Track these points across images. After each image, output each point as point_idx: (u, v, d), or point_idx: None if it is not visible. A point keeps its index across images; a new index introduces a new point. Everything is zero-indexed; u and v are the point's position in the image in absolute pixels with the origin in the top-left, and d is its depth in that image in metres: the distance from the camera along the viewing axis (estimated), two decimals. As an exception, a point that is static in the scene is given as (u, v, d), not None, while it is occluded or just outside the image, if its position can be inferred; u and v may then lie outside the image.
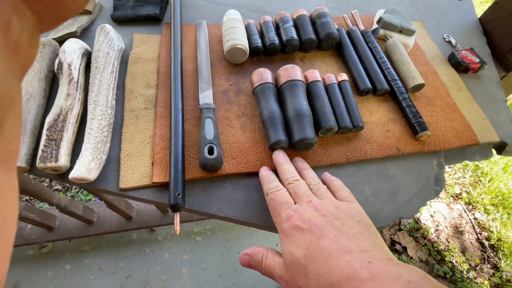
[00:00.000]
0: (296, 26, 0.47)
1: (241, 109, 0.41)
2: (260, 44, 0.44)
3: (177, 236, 1.19)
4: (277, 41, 0.44)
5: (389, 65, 0.44)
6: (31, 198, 1.30)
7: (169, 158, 0.34)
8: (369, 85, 0.42)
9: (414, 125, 0.39)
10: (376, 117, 0.41)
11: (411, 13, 0.57)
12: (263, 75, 0.40)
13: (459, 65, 0.48)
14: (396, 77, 0.43)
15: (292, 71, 0.39)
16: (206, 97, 0.40)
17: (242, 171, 0.36)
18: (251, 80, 0.41)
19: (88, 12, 0.48)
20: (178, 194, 0.31)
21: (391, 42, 0.47)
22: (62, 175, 0.34)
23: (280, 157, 0.34)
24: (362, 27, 0.50)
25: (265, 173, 0.34)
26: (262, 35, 0.47)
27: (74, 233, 1.04)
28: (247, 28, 0.47)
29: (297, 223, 0.26)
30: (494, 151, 0.44)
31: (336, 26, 0.49)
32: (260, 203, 0.34)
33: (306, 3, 0.57)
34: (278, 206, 0.29)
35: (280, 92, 0.39)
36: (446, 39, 0.53)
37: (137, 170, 0.35)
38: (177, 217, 0.31)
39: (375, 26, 0.51)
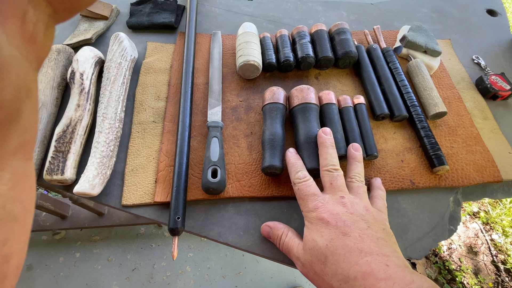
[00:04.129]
0: (313, 41, 0.45)
1: (249, 127, 0.40)
2: (274, 60, 0.43)
3: (183, 233, 1.20)
4: (292, 58, 0.43)
5: (410, 89, 0.42)
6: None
7: (172, 178, 0.33)
8: (386, 110, 0.40)
9: (431, 157, 0.37)
10: (391, 144, 0.39)
11: (439, 30, 0.54)
12: (275, 94, 0.38)
13: (487, 92, 0.44)
14: (416, 102, 0.41)
15: (307, 93, 0.37)
16: (214, 114, 0.39)
17: (245, 195, 0.35)
18: (264, 96, 0.39)
19: (104, 18, 0.48)
20: (178, 218, 0.31)
21: (413, 63, 0.45)
22: (67, 187, 0.35)
23: (326, 138, 0.32)
24: (383, 45, 0.47)
25: (293, 159, 0.33)
26: (277, 50, 0.45)
27: (86, 223, 1.07)
28: (262, 42, 0.45)
29: (324, 216, 0.27)
30: (518, 188, 0.40)
31: (356, 43, 0.47)
32: (260, 231, 0.33)
33: (326, 15, 0.55)
34: (305, 197, 0.29)
35: (292, 113, 0.38)
36: (475, 61, 0.50)
37: (140, 187, 0.35)
38: (175, 241, 0.31)
39: (397, 44, 0.48)
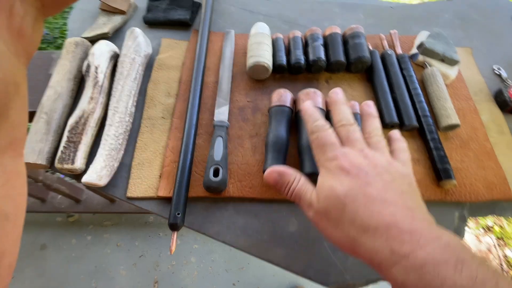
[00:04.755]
0: (326, 44, 0.45)
1: (255, 128, 0.40)
2: (284, 62, 0.43)
3: (191, 225, 1.22)
4: (302, 60, 0.42)
5: (423, 98, 0.41)
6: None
7: (176, 174, 0.34)
8: (395, 119, 0.39)
9: (439, 171, 0.36)
10: (398, 154, 0.38)
11: (460, 37, 0.52)
12: (282, 97, 0.38)
13: (505, 105, 0.43)
14: (428, 113, 0.40)
15: (313, 97, 0.37)
16: (221, 113, 0.39)
17: (246, 196, 0.35)
18: (271, 98, 0.40)
19: (122, 12, 0.49)
20: (178, 214, 0.32)
21: (429, 72, 0.43)
22: (77, 176, 0.36)
23: (338, 95, 0.30)
24: (399, 51, 0.46)
25: (311, 109, 0.29)
26: (289, 51, 0.45)
27: (98, 208, 1.11)
28: (274, 43, 0.45)
29: (345, 165, 0.24)
30: (531, 208, 0.39)
31: (371, 47, 0.46)
32: (259, 232, 0.34)
33: (343, 17, 0.54)
34: (324, 146, 0.26)
35: (297, 116, 0.38)
36: (496, 71, 0.47)
37: (145, 180, 0.36)
38: (174, 236, 0.31)
39: (414, 50, 0.47)
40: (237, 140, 0.39)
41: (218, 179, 0.33)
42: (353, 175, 0.24)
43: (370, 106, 0.30)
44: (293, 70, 0.44)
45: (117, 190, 0.36)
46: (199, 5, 0.53)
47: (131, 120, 0.39)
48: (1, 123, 0.12)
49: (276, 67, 0.43)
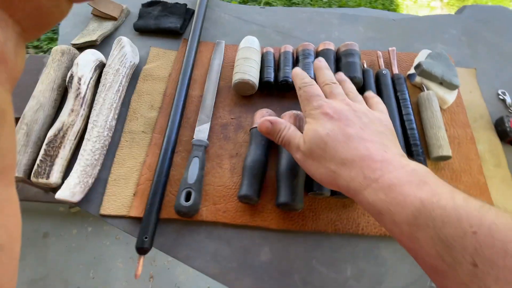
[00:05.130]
0: (317, 61, 0.43)
1: (236, 148, 0.39)
2: (271, 79, 0.41)
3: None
4: (290, 79, 0.41)
5: (414, 125, 0.39)
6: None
7: (148, 195, 0.34)
8: (382, 146, 0.37)
9: (423, 206, 0.34)
10: (382, 184, 0.37)
11: (465, 56, 0.48)
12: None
13: (505, 135, 0.40)
14: (419, 141, 0.37)
15: (299, 121, 0.35)
16: (202, 131, 0.38)
17: (219, 220, 0.34)
18: (254, 117, 0.38)
19: (113, 19, 0.49)
20: (146, 238, 0.31)
21: (425, 96, 0.41)
22: (54, 189, 0.36)
23: (321, 62, 0.34)
24: (396, 70, 0.44)
25: (299, 71, 0.34)
26: (278, 67, 0.43)
27: (98, 201, 1.13)
28: (263, 58, 0.43)
29: (328, 111, 0.28)
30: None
31: (365, 65, 0.44)
32: (228, 260, 0.33)
33: (341, 29, 0.51)
34: (310, 97, 0.30)
35: (279, 139, 0.37)
36: (500, 97, 0.44)
37: (119, 198, 0.36)
38: (140, 260, 0.31)
39: (412, 70, 0.44)
40: (216, 160, 0.38)
41: (188, 204, 0.32)
42: (335, 119, 0.27)
43: (342, 75, 0.35)
44: (281, 87, 0.42)
45: (91, 206, 0.36)
46: (192, 12, 0.51)
47: (110, 134, 0.38)
48: None
49: (263, 83, 0.41)
